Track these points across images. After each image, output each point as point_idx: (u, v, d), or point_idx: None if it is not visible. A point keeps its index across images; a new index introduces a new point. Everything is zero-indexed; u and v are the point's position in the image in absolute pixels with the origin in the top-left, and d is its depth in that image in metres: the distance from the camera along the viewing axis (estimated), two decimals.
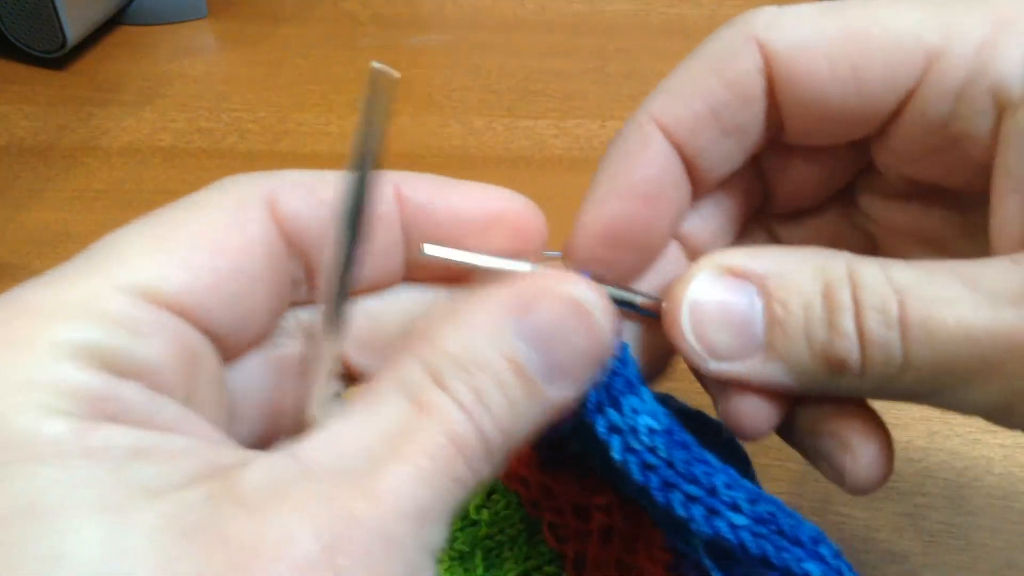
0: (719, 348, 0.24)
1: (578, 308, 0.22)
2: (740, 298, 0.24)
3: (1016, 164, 0.23)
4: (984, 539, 0.37)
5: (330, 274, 0.23)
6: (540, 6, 0.77)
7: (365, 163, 0.22)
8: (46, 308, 0.19)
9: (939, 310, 0.22)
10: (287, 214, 0.23)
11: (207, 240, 0.22)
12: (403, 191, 0.26)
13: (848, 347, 0.23)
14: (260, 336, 0.24)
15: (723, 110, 0.26)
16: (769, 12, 0.25)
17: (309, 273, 0.24)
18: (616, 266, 0.27)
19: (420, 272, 0.26)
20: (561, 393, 0.22)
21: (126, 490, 0.17)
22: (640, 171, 0.26)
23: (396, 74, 0.21)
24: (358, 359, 0.26)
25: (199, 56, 0.71)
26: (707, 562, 0.25)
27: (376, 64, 0.21)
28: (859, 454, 0.25)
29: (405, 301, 0.27)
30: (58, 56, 0.67)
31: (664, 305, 0.25)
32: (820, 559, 0.24)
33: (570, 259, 0.27)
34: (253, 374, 0.25)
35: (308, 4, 0.77)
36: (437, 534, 0.19)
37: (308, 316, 0.26)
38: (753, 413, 0.25)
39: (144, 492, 0.17)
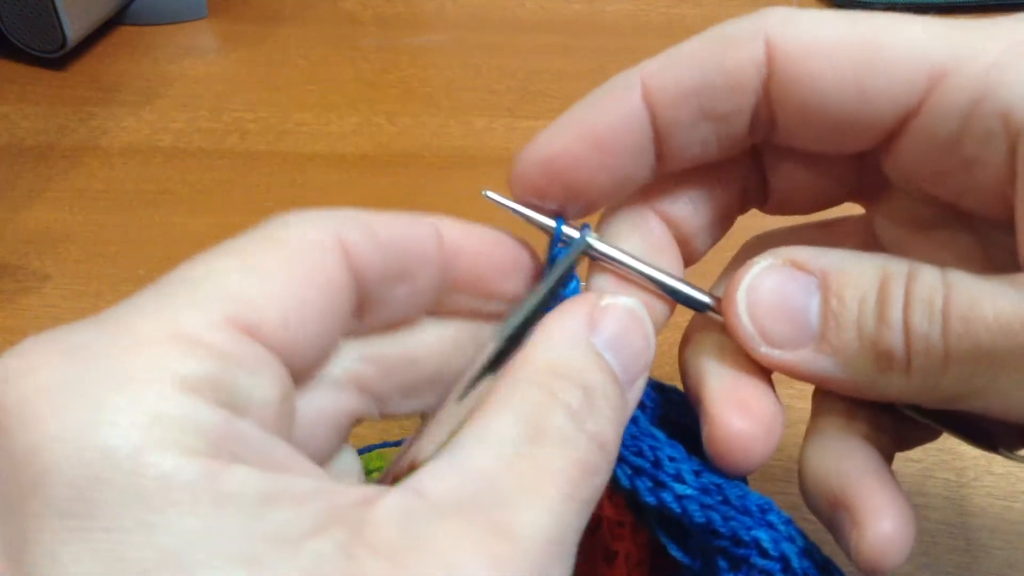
0: (773, 335, 0.25)
1: (634, 315, 0.24)
2: (799, 287, 0.24)
3: None
4: (984, 539, 0.37)
5: (474, 366, 0.23)
6: (540, 6, 0.77)
7: (541, 305, 0.23)
8: (158, 338, 0.18)
9: (980, 302, 0.22)
10: (352, 253, 0.23)
11: (296, 278, 0.21)
12: (441, 230, 0.26)
13: (894, 339, 0.23)
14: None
15: (709, 92, 0.25)
16: (786, 10, 0.25)
17: (358, 308, 0.24)
18: (548, 201, 0.27)
19: (441, 307, 0.27)
20: (634, 395, 0.24)
21: (261, 540, 0.17)
22: (601, 117, 0.26)
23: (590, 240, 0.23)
24: (396, 400, 0.26)
25: (199, 56, 0.71)
26: (662, 536, 0.25)
27: (591, 238, 0.23)
28: (868, 530, 0.24)
29: (433, 337, 0.27)
30: (58, 56, 0.67)
31: (725, 288, 0.26)
32: (769, 526, 0.24)
33: (512, 184, 0.28)
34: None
35: (308, 4, 0.77)
36: (571, 560, 0.20)
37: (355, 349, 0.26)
38: (742, 445, 0.25)
39: (278, 542, 0.17)
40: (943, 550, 0.37)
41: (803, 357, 0.24)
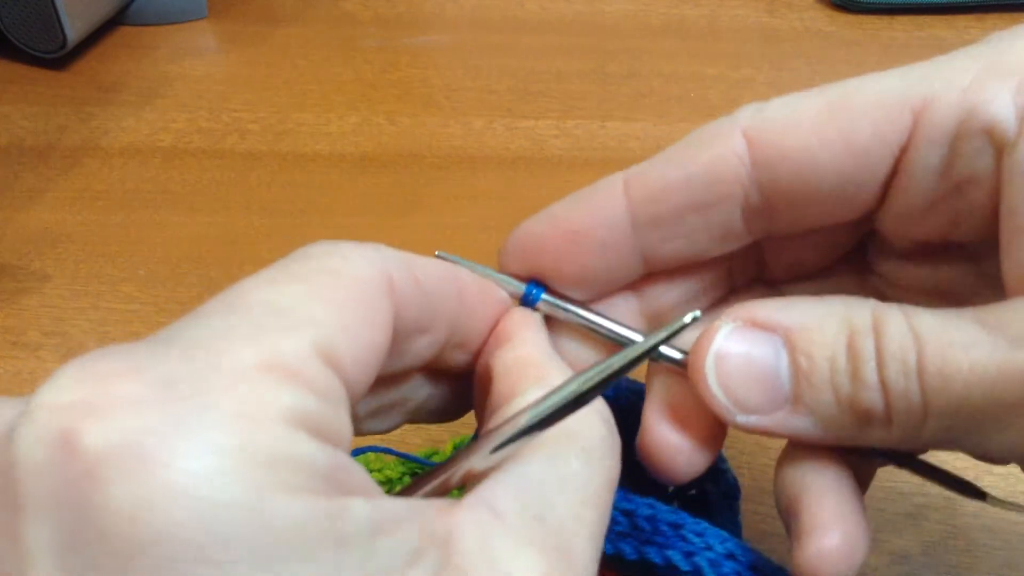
0: (746, 401, 0.24)
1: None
2: (766, 350, 0.24)
3: (1020, 201, 0.23)
4: (984, 539, 0.37)
5: (519, 423, 0.22)
6: (540, 6, 0.77)
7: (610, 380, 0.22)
8: (258, 370, 0.17)
9: (954, 355, 0.21)
10: (396, 296, 0.23)
11: (358, 314, 0.20)
12: (461, 283, 0.26)
13: (872, 398, 0.23)
14: None
15: (689, 185, 0.25)
16: (754, 104, 0.26)
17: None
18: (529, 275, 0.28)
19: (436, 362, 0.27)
20: None
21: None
22: (578, 210, 0.27)
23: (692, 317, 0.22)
24: (368, 423, 0.26)
25: (199, 56, 0.71)
26: None
27: (690, 317, 0.21)
28: (809, 544, 0.23)
29: (424, 391, 0.27)
30: (58, 56, 0.67)
31: (690, 358, 0.25)
32: (683, 540, 0.25)
33: (500, 265, 0.28)
34: None
35: (308, 4, 0.77)
36: None
37: None
38: (673, 455, 0.26)
39: (387, 574, 0.17)
40: (943, 550, 0.37)
41: (779, 420, 0.24)
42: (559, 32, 0.74)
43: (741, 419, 0.24)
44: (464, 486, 0.22)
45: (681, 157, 0.26)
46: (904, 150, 0.24)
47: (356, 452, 0.37)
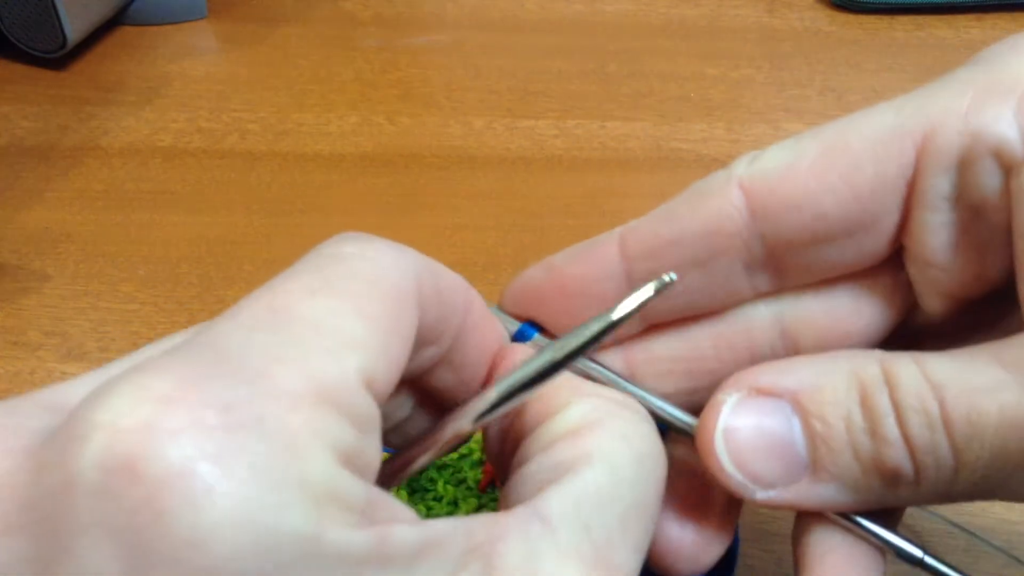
0: (764, 475, 0.23)
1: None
2: (776, 418, 0.23)
3: None
4: (984, 539, 0.37)
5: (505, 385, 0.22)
6: (540, 6, 0.77)
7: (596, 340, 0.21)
8: (308, 398, 0.16)
9: (980, 401, 0.20)
10: (421, 305, 0.22)
11: (393, 329, 0.20)
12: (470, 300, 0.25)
13: (897, 455, 0.21)
14: None
15: (687, 240, 0.25)
16: (750, 154, 0.25)
17: None
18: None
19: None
20: None
21: None
22: (573, 264, 0.26)
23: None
24: None
25: (199, 56, 0.71)
26: None
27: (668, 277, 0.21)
28: None
29: (412, 415, 0.26)
30: (58, 56, 0.67)
31: (697, 437, 0.24)
32: None
33: (501, 304, 0.28)
34: None
35: (308, 4, 0.77)
36: None
37: None
38: (688, 551, 0.25)
39: None
40: (943, 550, 0.37)
41: (802, 491, 0.23)
42: (559, 32, 0.74)
43: (761, 495, 0.23)
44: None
45: (677, 213, 0.25)
46: (911, 186, 0.23)
47: None
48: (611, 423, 0.22)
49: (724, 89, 0.67)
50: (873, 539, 0.24)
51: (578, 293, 0.26)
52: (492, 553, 0.18)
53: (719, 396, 0.24)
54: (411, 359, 0.22)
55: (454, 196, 0.57)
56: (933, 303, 0.25)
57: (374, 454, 0.18)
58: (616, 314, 0.21)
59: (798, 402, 0.23)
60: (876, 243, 0.24)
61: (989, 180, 0.23)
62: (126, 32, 0.73)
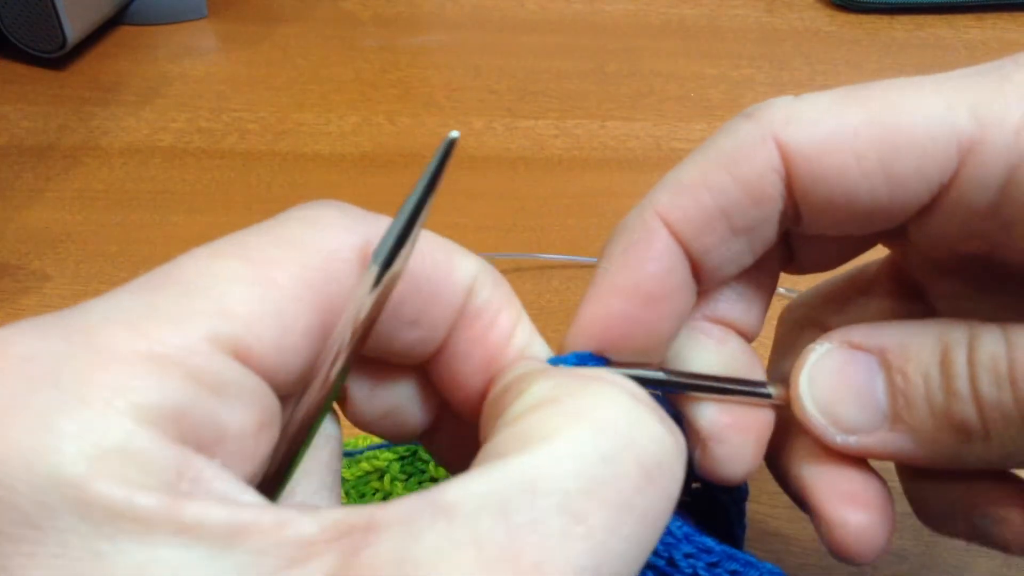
0: (845, 421, 0.24)
1: None
2: (861, 369, 0.24)
3: None
4: None
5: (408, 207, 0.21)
6: (540, 6, 0.77)
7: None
8: (129, 357, 0.17)
9: None
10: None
11: (305, 294, 0.19)
12: (477, 283, 0.24)
13: (966, 410, 0.22)
14: None
15: (734, 209, 0.24)
16: (786, 105, 0.24)
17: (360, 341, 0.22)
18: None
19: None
20: None
21: (230, 573, 0.16)
22: (642, 270, 0.25)
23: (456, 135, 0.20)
24: None
25: (199, 56, 0.71)
26: None
27: (454, 134, 0.20)
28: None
29: (412, 397, 0.25)
30: (58, 56, 0.67)
31: (790, 382, 0.25)
32: None
33: (566, 349, 0.26)
34: None
35: (308, 4, 0.77)
36: None
37: None
38: (864, 537, 0.25)
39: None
40: (943, 550, 0.37)
41: (881, 439, 0.24)
42: (559, 32, 0.74)
43: (841, 439, 0.24)
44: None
45: (717, 179, 0.24)
46: (946, 187, 0.23)
47: (352, 453, 0.37)
48: (568, 402, 0.19)
49: (724, 89, 0.67)
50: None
51: (652, 297, 0.25)
52: (359, 544, 0.16)
53: (810, 346, 0.25)
54: (395, 337, 0.22)
55: (454, 196, 0.57)
56: (923, 275, 0.27)
57: (229, 420, 0.18)
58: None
59: (885, 357, 0.24)
60: (894, 218, 0.24)
61: None
62: (126, 32, 0.73)
